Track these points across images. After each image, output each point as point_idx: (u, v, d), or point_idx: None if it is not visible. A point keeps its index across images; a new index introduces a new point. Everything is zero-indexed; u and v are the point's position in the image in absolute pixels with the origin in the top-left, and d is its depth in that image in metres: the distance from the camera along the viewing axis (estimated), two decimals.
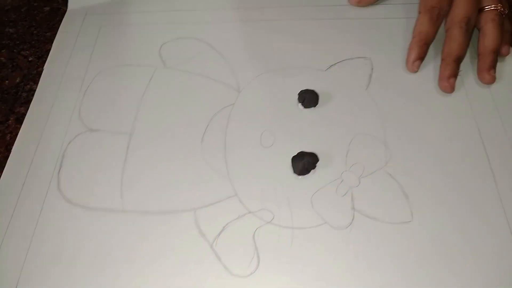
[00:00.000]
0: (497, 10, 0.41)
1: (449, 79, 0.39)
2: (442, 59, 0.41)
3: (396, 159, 0.37)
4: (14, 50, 0.48)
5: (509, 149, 0.37)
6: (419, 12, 0.42)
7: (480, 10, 0.41)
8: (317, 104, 0.40)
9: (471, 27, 0.41)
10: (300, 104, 0.40)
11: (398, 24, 0.46)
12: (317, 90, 0.40)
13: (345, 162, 0.37)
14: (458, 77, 0.41)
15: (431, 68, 0.42)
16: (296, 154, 0.36)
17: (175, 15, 0.47)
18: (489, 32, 0.41)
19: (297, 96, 0.40)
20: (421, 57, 0.41)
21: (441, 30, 0.42)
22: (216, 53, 0.44)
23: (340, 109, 0.40)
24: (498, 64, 0.41)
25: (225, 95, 0.41)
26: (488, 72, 0.40)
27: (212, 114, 0.40)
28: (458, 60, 0.40)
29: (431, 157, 0.36)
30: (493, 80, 0.40)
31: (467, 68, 0.42)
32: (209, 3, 0.48)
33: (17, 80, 0.45)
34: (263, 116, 0.39)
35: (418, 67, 0.41)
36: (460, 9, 0.41)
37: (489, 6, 0.41)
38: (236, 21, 0.47)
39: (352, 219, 0.34)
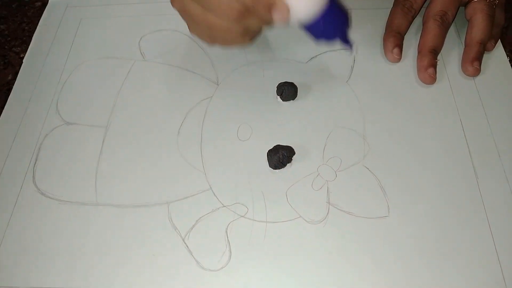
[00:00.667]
0: (487, 0, 0.40)
1: (427, 69, 0.39)
2: (418, 52, 0.40)
3: (374, 152, 0.36)
4: (6, 47, 0.47)
5: (492, 145, 0.36)
6: (393, 5, 0.42)
7: (469, 0, 0.41)
8: (296, 97, 0.39)
9: (448, 20, 0.40)
10: (278, 97, 0.39)
11: (381, 15, 0.45)
12: (296, 82, 0.39)
13: (322, 156, 0.36)
14: (443, 71, 0.40)
15: (413, 62, 0.41)
16: (272, 147, 0.36)
17: (155, 7, 0.47)
18: (477, 23, 0.40)
19: (275, 89, 0.39)
20: (398, 44, 0.41)
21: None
22: (195, 45, 0.44)
23: (320, 102, 0.39)
24: (484, 56, 0.40)
25: (204, 88, 0.41)
26: (471, 64, 0.39)
27: (190, 107, 0.39)
28: (434, 51, 0.40)
29: (411, 152, 0.36)
30: (476, 72, 0.39)
31: (452, 61, 0.41)
32: None
33: (9, 78, 0.44)
34: (241, 109, 0.39)
35: (399, 55, 0.41)
36: (437, 3, 0.40)
37: None
38: None
39: (327, 214, 0.33)
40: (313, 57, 0.42)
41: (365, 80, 0.40)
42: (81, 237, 0.33)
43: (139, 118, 0.39)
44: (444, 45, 0.41)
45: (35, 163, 0.37)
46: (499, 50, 0.42)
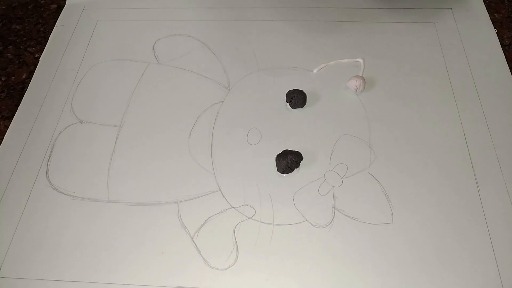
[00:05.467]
0: None
1: None
2: None
3: (380, 161, 0.37)
4: (21, 47, 0.48)
5: (494, 157, 0.37)
6: None
7: None
8: (305, 104, 0.40)
9: None
10: (288, 103, 0.40)
11: (389, 28, 0.46)
12: (305, 90, 0.41)
13: (329, 162, 0.37)
14: (448, 85, 0.41)
15: (421, 74, 0.42)
16: (280, 152, 0.37)
17: (170, 12, 0.48)
18: None
19: (285, 96, 0.41)
20: None
21: None
22: (208, 51, 0.45)
23: (328, 110, 0.40)
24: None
25: (215, 92, 0.42)
26: None
27: (201, 111, 0.40)
28: None
29: (415, 161, 0.37)
30: None
31: (456, 76, 0.42)
32: (204, 2, 0.49)
33: (23, 76, 0.45)
34: (251, 114, 0.40)
35: None
36: None
37: None
38: (230, 20, 0.47)
39: (333, 218, 0.34)
40: (322, 66, 0.43)
41: (373, 90, 0.41)
42: (91, 232, 0.34)
43: (151, 119, 0.40)
44: (450, 65, 0.42)
45: (49, 159, 0.38)
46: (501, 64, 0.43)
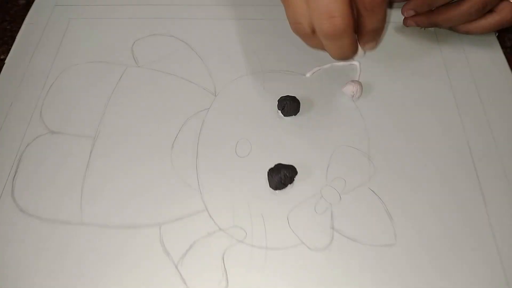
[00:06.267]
0: None
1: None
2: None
3: (380, 174, 0.34)
4: None
5: (501, 169, 0.34)
6: None
7: None
8: (298, 112, 0.37)
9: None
10: (279, 111, 0.37)
11: (387, 28, 0.43)
12: (298, 96, 0.37)
13: (325, 176, 0.34)
14: (449, 89, 0.39)
15: (421, 78, 0.40)
16: (273, 166, 0.33)
17: (150, 9, 0.44)
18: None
19: (276, 103, 0.37)
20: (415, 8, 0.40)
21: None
22: (192, 52, 0.41)
23: (323, 118, 0.37)
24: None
25: (200, 99, 0.38)
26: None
27: (185, 119, 0.37)
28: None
29: (418, 174, 0.34)
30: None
31: (459, 84, 0.39)
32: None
33: None
34: (240, 123, 0.37)
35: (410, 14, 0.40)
36: None
37: None
38: (216, 18, 0.44)
39: (331, 240, 0.31)
40: (317, 70, 0.40)
41: (371, 95, 0.38)
42: (63, 259, 0.30)
43: (130, 129, 0.36)
44: (450, 65, 0.40)
45: (15, 175, 0.34)
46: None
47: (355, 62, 0.40)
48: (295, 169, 0.33)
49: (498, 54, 0.42)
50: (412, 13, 0.41)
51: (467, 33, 0.41)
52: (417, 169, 0.34)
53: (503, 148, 0.35)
